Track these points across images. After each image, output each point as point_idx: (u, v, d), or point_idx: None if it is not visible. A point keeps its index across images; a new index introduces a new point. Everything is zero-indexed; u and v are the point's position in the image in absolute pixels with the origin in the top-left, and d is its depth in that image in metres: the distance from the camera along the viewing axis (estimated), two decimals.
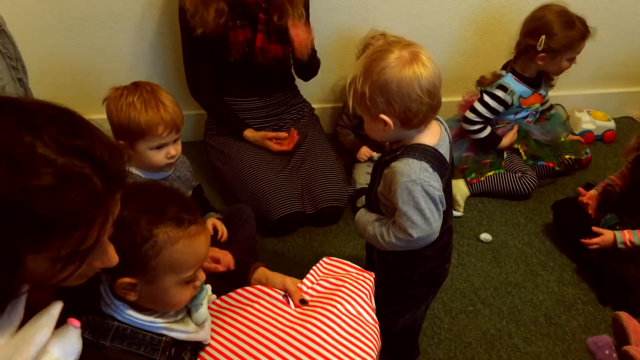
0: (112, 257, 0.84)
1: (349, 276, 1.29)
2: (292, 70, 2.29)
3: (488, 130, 2.28)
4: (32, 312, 0.81)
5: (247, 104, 2.23)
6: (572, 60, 2.17)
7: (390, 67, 1.16)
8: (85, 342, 0.92)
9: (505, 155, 2.33)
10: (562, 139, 2.42)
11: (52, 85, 2.29)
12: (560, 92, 2.59)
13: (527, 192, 2.28)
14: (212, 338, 1.13)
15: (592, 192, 2.05)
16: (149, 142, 1.47)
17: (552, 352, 1.73)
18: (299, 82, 2.36)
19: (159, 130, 1.45)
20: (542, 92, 2.30)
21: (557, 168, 2.37)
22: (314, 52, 2.15)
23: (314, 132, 2.28)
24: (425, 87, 1.17)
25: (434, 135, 1.26)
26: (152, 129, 1.44)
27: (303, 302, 1.21)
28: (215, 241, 1.52)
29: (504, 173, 2.30)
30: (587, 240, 1.90)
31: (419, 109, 1.18)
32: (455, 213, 2.20)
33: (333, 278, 1.29)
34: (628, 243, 1.84)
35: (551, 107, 2.47)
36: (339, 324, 1.16)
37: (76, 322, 0.83)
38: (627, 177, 2.00)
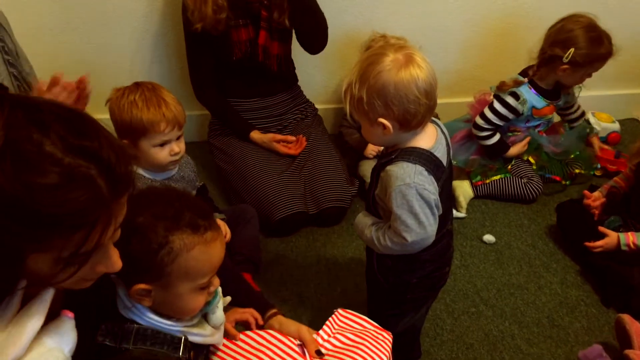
0: (116, 262, 0.83)
1: (368, 334, 1.26)
2: (295, 71, 2.30)
3: (497, 137, 2.27)
4: None
5: (250, 105, 2.24)
6: (590, 75, 2.17)
7: (387, 70, 1.16)
8: (108, 349, 0.93)
9: (513, 160, 2.31)
10: (577, 153, 2.38)
11: None
12: None
13: (532, 197, 2.27)
14: None
15: (597, 194, 2.04)
16: (152, 140, 1.47)
17: (554, 354, 1.72)
18: (302, 82, 2.36)
19: (161, 127, 1.46)
20: (560, 102, 2.29)
21: (563, 182, 2.36)
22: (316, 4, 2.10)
23: (317, 132, 2.28)
24: (423, 88, 1.17)
25: (429, 138, 1.26)
26: (154, 125, 1.45)
27: (319, 353, 1.19)
28: None
29: (509, 177, 2.29)
30: (590, 244, 1.89)
31: (417, 110, 1.18)
32: (457, 214, 2.20)
33: (350, 333, 1.26)
34: (631, 245, 1.83)
35: (581, 115, 2.42)
36: None
37: (70, 313, 0.83)
38: (631, 179, 2.00)
